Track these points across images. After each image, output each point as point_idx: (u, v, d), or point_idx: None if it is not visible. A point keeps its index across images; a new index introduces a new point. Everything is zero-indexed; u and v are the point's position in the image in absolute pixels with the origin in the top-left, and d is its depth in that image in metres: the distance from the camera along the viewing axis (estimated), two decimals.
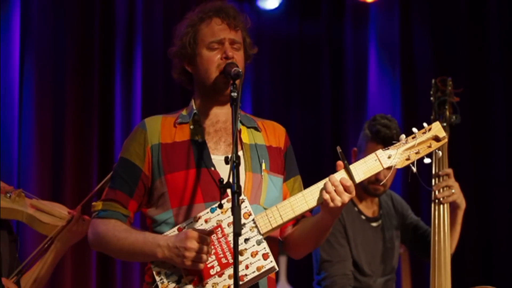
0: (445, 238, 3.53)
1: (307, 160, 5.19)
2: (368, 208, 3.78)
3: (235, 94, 2.51)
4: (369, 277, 3.67)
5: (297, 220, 2.71)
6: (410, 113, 5.53)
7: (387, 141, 3.70)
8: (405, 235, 3.88)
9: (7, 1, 4.71)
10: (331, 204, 2.51)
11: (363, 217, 3.74)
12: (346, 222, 3.65)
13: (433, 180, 3.63)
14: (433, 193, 3.61)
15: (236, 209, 2.30)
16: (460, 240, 3.77)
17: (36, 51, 4.81)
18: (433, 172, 3.63)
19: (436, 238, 3.54)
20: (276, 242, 2.70)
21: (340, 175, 2.55)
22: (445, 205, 3.58)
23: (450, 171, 3.62)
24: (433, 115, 3.75)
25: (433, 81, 3.81)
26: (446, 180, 3.61)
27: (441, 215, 3.56)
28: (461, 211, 3.64)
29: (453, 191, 3.59)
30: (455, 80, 3.82)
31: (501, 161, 5.41)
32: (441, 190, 3.59)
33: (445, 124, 3.69)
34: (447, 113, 3.73)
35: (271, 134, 2.78)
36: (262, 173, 2.67)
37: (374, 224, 3.77)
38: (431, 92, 3.79)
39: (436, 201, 3.59)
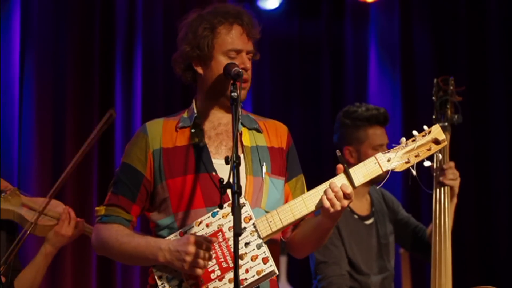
0: (445, 237, 3.52)
1: (307, 160, 5.15)
2: (360, 207, 3.77)
3: (235, 94, 2.50)
4: (366, 276, 3.66)
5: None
6: (410, 113, 5.53)
7: (385, 120, 3.74)
8: (396, 231, 3.87)
9: (7, 1, 4.71)
10: (331, 210, 2.53)
11: (355, 216, 3.73)
12: (340, 222, 3.62)
13: (435, 174, 3.59)
14: (434, 180, 3.58)
15: (236, 209, 2.30)
16: (460, 240, 3.77)
17: (36, 51, 4.81)
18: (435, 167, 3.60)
19: (437, 238, 3.52)
20: (278, 244, 2.71)
21: (339, 179, 2.56)
22: (447, 202, 3.55)
23: (452, 164, 3.59)
24: (434, 114, 3.72)
25: (435, 80, 3.78)
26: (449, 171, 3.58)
27: (442, 213, 3.55)
28: (453, 205, 3.60)
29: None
30: (456, 80, 3.81)
31: (501, 161, 5.41)
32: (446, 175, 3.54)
33: (446, 123, 3.67)
34: (449, 112, 3.70)
35: (273, 134, 2.77)
36: (263, 176, 2.66)
37: (367, 222, 3.77)
38: (433, 92, 3.77)
39: (437, 191, 3.56)
